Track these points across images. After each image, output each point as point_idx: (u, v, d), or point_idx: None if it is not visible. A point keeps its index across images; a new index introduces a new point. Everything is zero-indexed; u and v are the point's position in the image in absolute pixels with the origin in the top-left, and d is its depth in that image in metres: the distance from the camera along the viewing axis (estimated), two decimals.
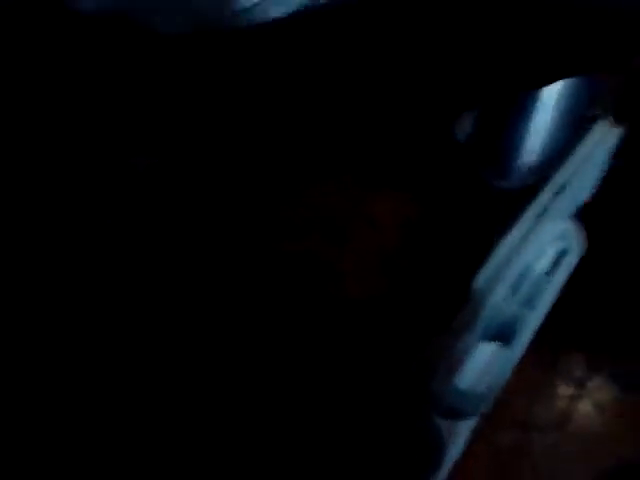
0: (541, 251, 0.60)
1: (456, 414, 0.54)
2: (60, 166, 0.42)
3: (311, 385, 0.40)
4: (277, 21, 0.29)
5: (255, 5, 0.30)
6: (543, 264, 0.64)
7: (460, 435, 0.62)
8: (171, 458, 0.39)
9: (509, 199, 0.50)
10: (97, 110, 0.40)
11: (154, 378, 0.41)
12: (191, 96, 0.35)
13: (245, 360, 0.40)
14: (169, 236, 0.42)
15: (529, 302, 0.56)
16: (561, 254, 0.65)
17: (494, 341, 0.54)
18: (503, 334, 0.54)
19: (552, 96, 0.47)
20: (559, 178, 0.57)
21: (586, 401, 1.06)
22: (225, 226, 0.42)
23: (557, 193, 0.57)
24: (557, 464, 0.94)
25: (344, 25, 0.30)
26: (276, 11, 0.28)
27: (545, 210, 0.55)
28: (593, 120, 0.60)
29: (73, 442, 0.39)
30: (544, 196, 0.55)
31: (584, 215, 0.68)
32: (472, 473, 0.88)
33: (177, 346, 0.41)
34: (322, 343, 0.38)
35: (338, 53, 0.31)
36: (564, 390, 1.07)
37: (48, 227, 0.42)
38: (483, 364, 0.58)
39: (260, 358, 0.40)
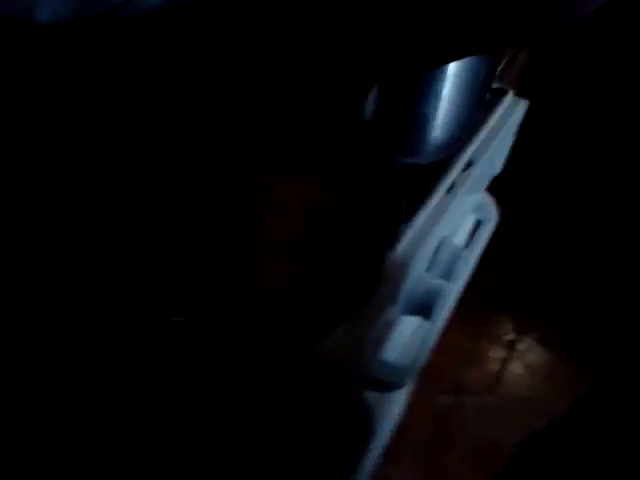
0: (457, 224, 0.62)
1: (383, 387, 0.55)
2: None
3: (232, 371, 0.40)
4: (156, 10, 0.28)
5: None
6: (460, 236, 0.67)
7: (392, 408, 0.64)
8: (171, 458, 0.39)
9: (419, 176, 0.51)
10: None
11: (154, 378, 0.40)
12: (75, 87, 0.34)
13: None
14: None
15: (448, 274, 0.58)
16: (477, 225, 0.67)
17: (416, 314, 0.56)
18: (424, 307, 0.56)
19: (455, 70, 0.48)
20: (470, 152, 0.59)
21: (517, 363, 1.11)
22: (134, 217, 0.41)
23: (468, 167, 0.58)
24: (489, 426, 0.99)
25: (226, 13, 0.30)
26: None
27: (458, 184, 0.57)
28: (499, 94, 0.62)
29: (73, 442, 0.38)
30: (455, 170, 0.56)
31: (499, 187, 0.71)
32: (409, 439, 0.91)
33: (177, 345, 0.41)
34: (233, 332, 0.37)
35: (222, 40, 0.31)
36: (495, 353, 1.12)
37: (48, 228, 0.40)
38: (406, 337, 0.59)
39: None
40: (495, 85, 0.61)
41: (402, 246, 0.50)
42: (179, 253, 0.39)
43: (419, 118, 0.49)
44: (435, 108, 0.50)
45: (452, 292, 0.57)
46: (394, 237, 0.46)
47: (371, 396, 0.57)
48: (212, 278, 0.38)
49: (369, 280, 0.44)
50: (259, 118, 0.39)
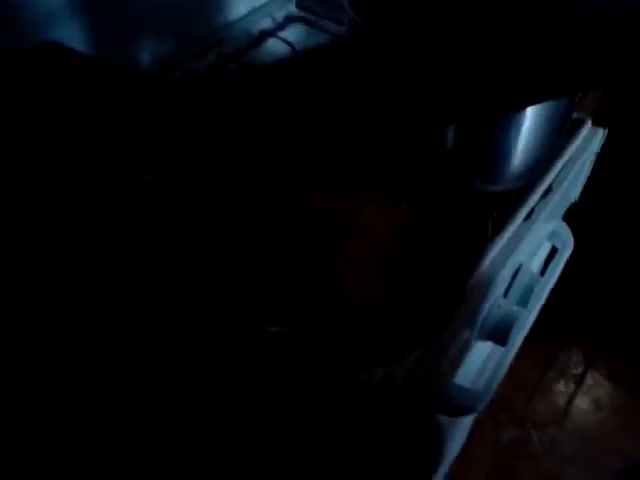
0: (533, 251, 0.62)
1: (456, 411, 0.55)
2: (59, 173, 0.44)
3: (310, 384, 0.42)
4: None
5: None
6: (535, 263, 0.66)
7: (459, 432, 0.64)
8: (170, 458, 0.40)
9: (499, 202, 0.51)
10: None
11: (153, 378, 0.41)
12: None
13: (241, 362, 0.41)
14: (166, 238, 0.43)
15: (523, 300, 0.58)
16: (552, 253, 0.67)
17: (490, 340, 0.56)
18: (500, 332, 0.56)
19: (536, 106, 0.49)
20: (548, 180, 0.59)
21: (584, 398, 1.08)
22: (221, 229, 0.43)
23: (547, 195, 0.59)
24: (555, 460, 0.96)
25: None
26: None
27: (536, 211, 0.57)
28: (577, 123, 0.62)
29: (73, 442, 0.39)
30: (534, 198, 0.56)
31: (574, 215, 0.70)
32: (473, 471, 0.90)
33: (176, 346, 0.42)
34: (323, 347, 0.39)
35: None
36: (562, 387, 1.09)
37: (48, 231, 0.43)
38: (480, 362, 0.59)
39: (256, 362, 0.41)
40: (574, 115, 0.61)
41: (481, 271, 0.51)
42: (275, 269, 0.41)
43: (499, 149, 0.50)
44: (515, 140, 0.51)
45: (527, 319, 0.57)
46: (477, 261, 0.47)
47: (442, 419, 0.57)
48: (305, 293, 0.40)
49: (452, 301, 0.44)
50: (357, 143, 0.41)
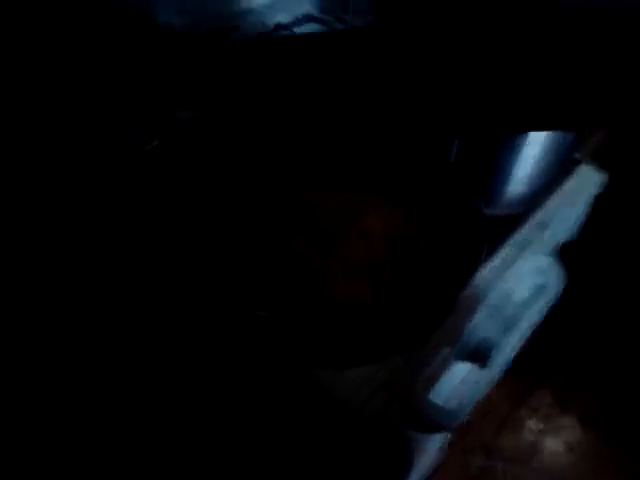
0: (521, 281, 0.64)
1: (427, 427, 0.56)
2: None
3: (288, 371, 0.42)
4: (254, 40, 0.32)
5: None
6: (522, 294, 0.68)
7: (428, 450, 0.64)
8: (170, 458, 0.40)
9: (494, 226, 0.53)
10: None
11: (153, 378, 0.41)
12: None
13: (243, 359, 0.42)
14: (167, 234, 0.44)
15: (506, 328, 0.59)
16: (540, 287, 0.68)
17: (469, 361, 0.57)
18: (478, 355, 0.56)
19: (542, 135, 0.50)
20: (542, 214, 0.60)
21: (554, 438, 1.08)
22: (222, 216, 0.44)
23: (539, 228, 0.60)
24: None
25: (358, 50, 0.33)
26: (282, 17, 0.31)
27: (527, 242, 0.58)
28: (577, 163, 0.64)
29: (73, 442, 0.39)
30: (526, 229, 0.58)
31: (566, 254, 0.71)
32: None
33: (176, 345, 0.43)
34: (302, 338, 0.39)
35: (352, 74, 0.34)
36: (533, 425, 1.09)
37: (48, 226, 0.43)
38: (457, 382, 0.60)
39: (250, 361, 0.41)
40: (575, 155, 0.63)
41: (469, 290, 0.52)
42: (270, 258, 0.42)
43: (502, 173, 0.52)
44: (516, 165, 0.52)
45: (508, 346, 0.58)
46: (467, 279, 0.48)
47: (412, 434, 0.57)
48: (295, 286, 0.41)
49: (437, 314, 0.45)
50: (365, 146, 0.43)
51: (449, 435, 0.68)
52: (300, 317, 0.40)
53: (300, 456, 0.43)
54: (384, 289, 0.43)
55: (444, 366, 0.56)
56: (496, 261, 0.55)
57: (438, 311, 0.44)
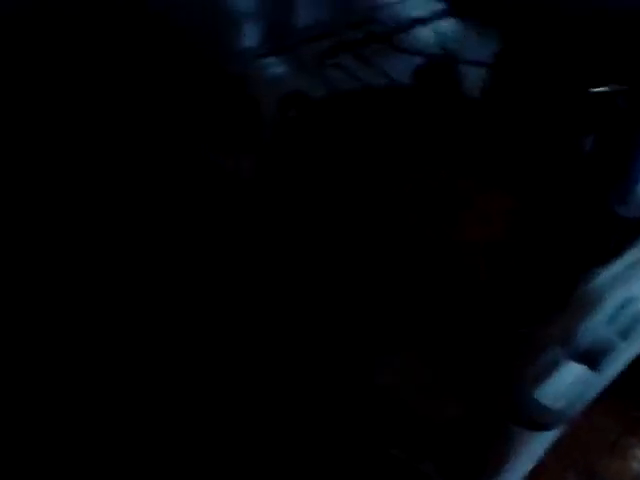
0: None
1: (530, 424, 0.55)
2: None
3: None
4: None
5: None
6: None
7: (532, 447, 0.63)
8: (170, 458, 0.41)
9: (624, 227, 0.51)
10: None
11: (153, 378, 0.42)
12: None
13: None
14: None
15: (624, 333, 0.57)
16: None
17: (581, 362, 0.56)
18: (591, 357, 0.55)
19: None
20: None
21: None
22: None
23: None
24: None
25: None
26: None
27: None
28: None
29: (73, 442, 0.41)
30: None
31: None
32: None
33: (177, 346, 0.44)
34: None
35: None
36: None
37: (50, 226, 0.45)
38: (567, 382, 0.58)
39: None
40: None
41: (584, 292, 0.51)
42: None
43: (638, 170, 0.50)
44: None
45: (624, 352, 0.56)
46: (587, 276, 0.47)
47: (516, 430, 0.57)
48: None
49: (552, 304, 0.45)
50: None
51: (551, 440, 0.67)
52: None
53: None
54: (497, 271, 0.43)
55: (554, 365, 0.55)
56: (621, 264, 0.53)
57: (551, 302, 0.44)
